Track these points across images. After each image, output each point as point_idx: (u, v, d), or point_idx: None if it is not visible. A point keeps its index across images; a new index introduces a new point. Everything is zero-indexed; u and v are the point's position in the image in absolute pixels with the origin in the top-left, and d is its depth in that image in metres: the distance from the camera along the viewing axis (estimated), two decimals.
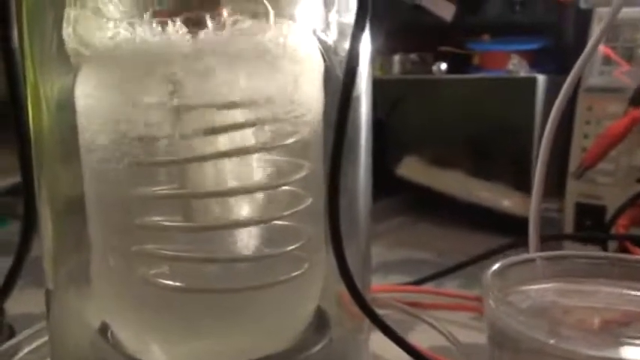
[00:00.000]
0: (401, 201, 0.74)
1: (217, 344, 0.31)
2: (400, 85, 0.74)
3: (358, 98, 0.31)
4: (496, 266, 0.28)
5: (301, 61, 0.30)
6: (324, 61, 0.30)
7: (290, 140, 0.30)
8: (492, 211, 0.68)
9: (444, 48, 0.72)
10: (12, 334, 0.40)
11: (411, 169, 0.72)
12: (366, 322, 0.32)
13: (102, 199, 0.31)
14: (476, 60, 0.72)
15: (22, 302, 0.42)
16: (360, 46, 0.27)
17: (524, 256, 0.30)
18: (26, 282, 0.41)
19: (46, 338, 0.37)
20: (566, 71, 0.68)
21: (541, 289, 0.28)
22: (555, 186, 0.57)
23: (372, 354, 0.34)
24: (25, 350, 0.37)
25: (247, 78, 0.29)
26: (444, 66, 0.70)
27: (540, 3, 0.77)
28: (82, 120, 0.30)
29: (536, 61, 0.69)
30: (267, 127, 0.30)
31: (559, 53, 0.70)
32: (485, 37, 0.73)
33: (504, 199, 0.68)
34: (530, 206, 0.40)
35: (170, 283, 0.30)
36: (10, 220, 0.78)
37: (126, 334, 0.32)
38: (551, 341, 0.22)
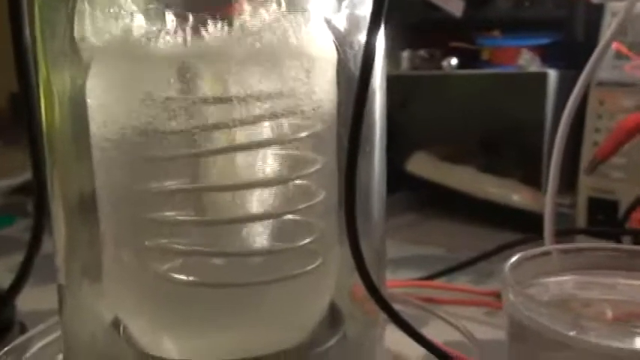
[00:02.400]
0: (410, 197, 0.73)
1: (230, 339, 0.31)
2: (410, 81, 0.73)
3: (373, 93, 0.31)
4: (514, 259, 0.27)
5: (315, 53, 0.30)
6: (338, 53, 0.30)
7: (303, 134, 0.30)
8: (502, 207, 0.68)
9: (454, 43, 0.71)
10: (23, 330, 0.40)
11: (420, 165, 0.72)
12: (381, 317, 0.31)
13: (114, 194, 0.30)
14: (485, 55, 0.71)
15: (33, 299, 0.42)
16: (377, 39, 0.27)
17: (541, 248, 0.29)
18: (36, 279, 0.41)
19: (57, 334, 0.37)
20: (576, 66, 0.67)
21: (559, 282, 0.28)
22: (567, 181, 0.56)
23: (386, 349, 0.34)
24: (37, 346, 0.36)
25: (261, 72, 0.29)
26: (454, 61, 0.69)
27: None
28: (93, 114, 0.30)
29: (546, 56, 0.69)
30: (280, 121, 0.29)
31: (569, 48, 0.70)
32: (495, 32, 0.73)
33: (514, 195, 0.68)
34: (546, 200, 0.40)
35: (183, 277, 0.29)
36: (19, 217, 0.78)
37: (138, 329, 0.31)
38: (574, 334, 0.22)
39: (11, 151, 0.96)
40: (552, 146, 0.64)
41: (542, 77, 0.63)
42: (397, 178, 0.68)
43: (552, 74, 0.63)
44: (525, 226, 0.63)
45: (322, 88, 0.30)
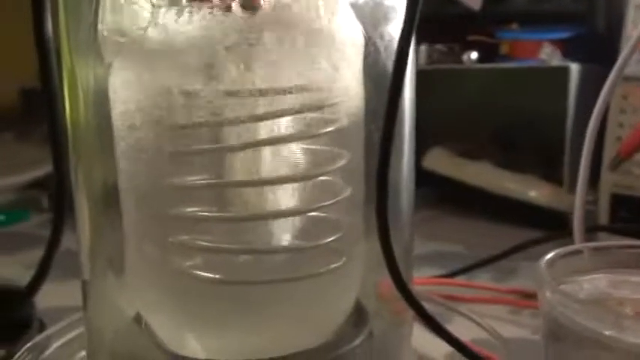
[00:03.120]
0: (427, 193, 0.73)
1: (252, 338, 0.30)
2: (428, 76, 0.72)
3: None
4: (548, 257, 0.27)
5: (343, 44, 0.29)
6: (366, 45, 0.29)
7: (330, 128, 0.29)
8: (519, 203, 0.67)
9: (472, 37, 0.70)
10: (42, 328, 0.39)
11: (437, 160, 0.71)
12: (409, 315, 0.31)
13: (137, 189, 0.30)
14: (504, 49, 0.70)
15: (51, 295, 0.42)
16: (412, 32, 0.26)
17: (573, 247, 0.29)
18: (54, 275, 0.41)
19: (76, 332, 0.37)
20: (598, 60, 0.66)
21: (593, 280, 0.27)
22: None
23: (413, 349, 0.33)
24: (56, 345, 0.36)
25: (288, 64, 0.28)
26: (474, 55, 0.69)
27: None
28: (116, 108, 0.29)
29: (567, 49, 0.68)
30: (306, 115, 0.29)
31: (590, 41, 0.69)
32: (514, 25, 0.72)
33: (532, 191, 0.67)
34: (576, 198, 0.39)
35: (205, 274, 0.29)
36: (34, 213, 0.78)
37: (160, 326, 0.31)
38: (613, 333, 0.21)
39: (23, 145, 0.96)
40: (574, 142, 0.64)
41: (564, 71, 0.62)
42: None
43: (574, 68, 0.62)
44: (543, 222, 0.62)
45: (349, 81, 0.30)
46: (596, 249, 0.30)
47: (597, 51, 0.67)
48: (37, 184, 0.82)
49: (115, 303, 0.32)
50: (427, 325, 0.28)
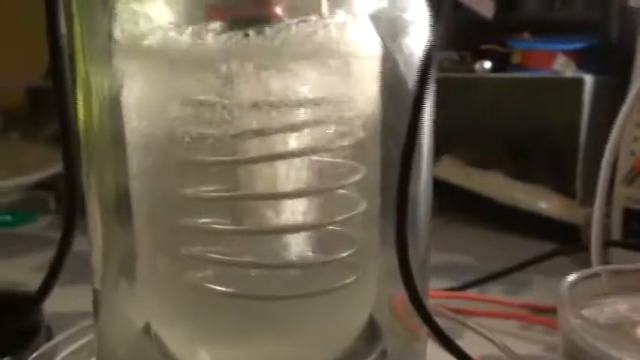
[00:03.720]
0: (436, 203, 0.72)
1: (264, 351, 0.30)
2: (440, 84, 0.72)
3: None
4: (570, 279, 0.26)
5: (360, 57, 0.28)
6: (385, 58, 0.29)
7: (345, 142, 0.29)
8: (531, 214, 0.66)
9: (486, 46, 0.70)
10: (50, 335, 0.39)
11: (449, 169, 0.70)
12: (423, 332, 0.30)
13: (149, 199, 0.30)
14: (516, 58, 0.70)
15: (58, 300, 0.42)
16: (436, 39, 0.25)
17: (593, 269, 0.28)
18: (62, 279, 0.40)
19: (84, 340, 0.36)
20: (610, 71, 0.66)
21: (612, 304, 0.27)
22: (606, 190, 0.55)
23: None
24: (64, 353, 0.36)
25: (301, 77, 0.28)
26: (487, 64, 0.68)
27: (581, 0, 0.75)
28: (129, 116, 0.29)
29: (580, 60, 0.67)
30: (321, 128, 0.28)
31: (603, 52, 0.68)
32: (526, 35, 0.71)
33: (543, 202, 0.66)
34: (594, 214, 0.39)
35: (216, 287, 0.28)
36: (40, 214, 0.77)
37: (170, 337, 0.31)
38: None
39: (30, 145, 0.96)
40: (587, 153, 0.63)
41: (578, 83, 0.61)
42: None
43: (588, 80, 0.62)
44: (554, 235, 0.61)
45: (366, 94, 0.29)
46: (615, 272, 0.29)
47: (609, 62, 0.66)
48: (44, 185, 0.81)
49: (126, 313, 0.31)
50: (440, 342, 0.28)
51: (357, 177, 0.29)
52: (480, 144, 0.71)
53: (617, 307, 0.27)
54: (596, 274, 0.28)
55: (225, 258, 0.28)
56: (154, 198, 0.29)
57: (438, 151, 0.72)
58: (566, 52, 0.66)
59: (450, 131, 0.72)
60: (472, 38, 0.73)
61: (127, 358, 0.31)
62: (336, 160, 0.29)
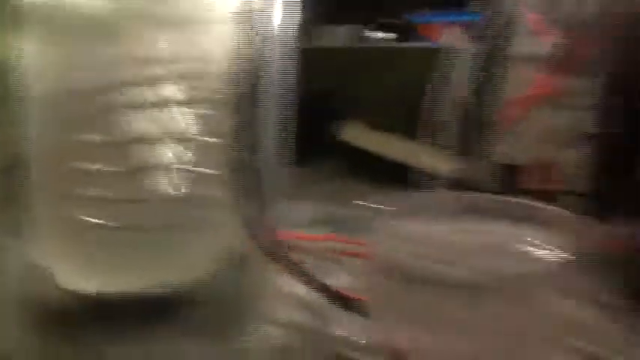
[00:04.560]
0: (341, 164, 0.77)
1: (142, 275, 0.35)
2: (348, 55, 0.77)
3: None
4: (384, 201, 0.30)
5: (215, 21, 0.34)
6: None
7: (207, 95, 0.34)
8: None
9: (382, 20, 0.75)
10: None
11: (353, 134, 0.75)
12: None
13: (41, 147, 0.34)
14: (419, 30, 0.75)
15: None
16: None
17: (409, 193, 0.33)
18: None
19: None
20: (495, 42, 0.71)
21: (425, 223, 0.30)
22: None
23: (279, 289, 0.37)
24: None
25: (167, 34, 0.33)
26: (387, 35, 0.73)
27: None
28: (31, 76, 0.33)
29: (468, 32, 0.72)
30: (186, 82, 0.33)
31: (489, 25, 0.73)
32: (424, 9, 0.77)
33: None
34: None
35: (97, 221, 0.33)
36: None
37: (62, 268, 0.35)
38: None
39: None
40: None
41: (460, 53, 0.67)
42: (332, 148, 0.73)
43: (470, 50, 0.67)
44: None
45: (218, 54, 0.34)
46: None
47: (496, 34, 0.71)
48: None
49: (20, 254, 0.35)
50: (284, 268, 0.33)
51: (219, 125, 0.34)
52: (385, 111, 0.76)
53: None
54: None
55: (104, 194, 0.33)
56: (45, 145, 0.34)
57: (347, 119, 0.77)
58: (456, 24, 0.71)
59: (358, 101, 0.78)
60: (374, 11, 0.78)
61: (20, 292, 0.36)
62: (202, 110, 0.34)
